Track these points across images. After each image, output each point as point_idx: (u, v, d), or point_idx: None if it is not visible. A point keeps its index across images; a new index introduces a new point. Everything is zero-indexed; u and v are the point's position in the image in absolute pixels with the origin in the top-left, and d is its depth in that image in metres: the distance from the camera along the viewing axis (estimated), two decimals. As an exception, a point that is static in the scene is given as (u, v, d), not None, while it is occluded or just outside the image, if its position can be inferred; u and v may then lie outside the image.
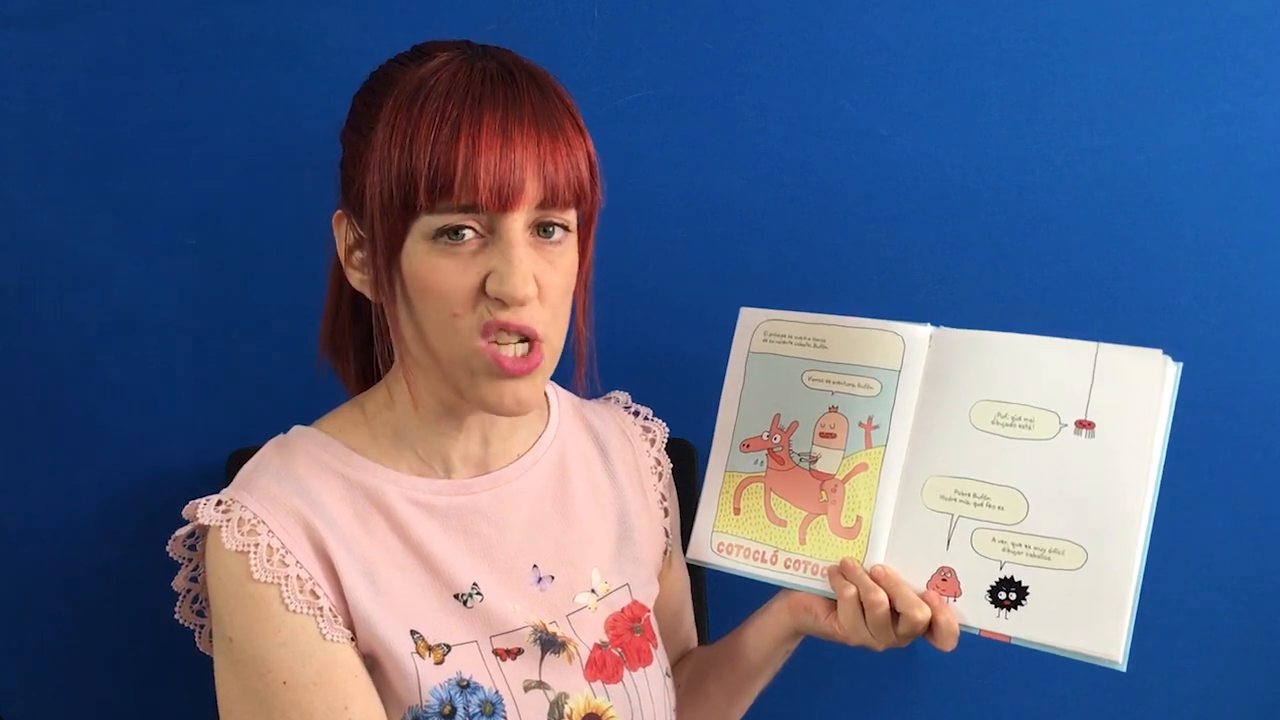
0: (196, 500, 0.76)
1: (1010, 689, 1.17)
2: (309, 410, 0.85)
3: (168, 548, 0.78)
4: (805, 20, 1.10)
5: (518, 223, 0.72)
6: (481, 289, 0.72)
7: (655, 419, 0.97)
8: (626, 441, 0.94)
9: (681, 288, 1.14)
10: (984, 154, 1.10)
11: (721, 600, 1.09)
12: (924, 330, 0.86)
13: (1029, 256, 1.11)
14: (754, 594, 0.90)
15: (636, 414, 0.97)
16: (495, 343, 0.73)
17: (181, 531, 0.78)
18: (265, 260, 1.12)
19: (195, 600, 0.81)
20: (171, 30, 1.09)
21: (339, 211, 0.78)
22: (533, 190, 0.71)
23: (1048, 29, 1.08)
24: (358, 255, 0.78)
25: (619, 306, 1.13)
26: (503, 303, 0.72)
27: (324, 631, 0.74)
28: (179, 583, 0.80)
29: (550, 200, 0.73)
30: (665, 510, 0.94)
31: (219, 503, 0.76)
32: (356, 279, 0.79)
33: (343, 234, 0.78)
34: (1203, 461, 1.11)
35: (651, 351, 1.15)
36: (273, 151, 1.10)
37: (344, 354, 0.87)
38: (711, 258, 1.14)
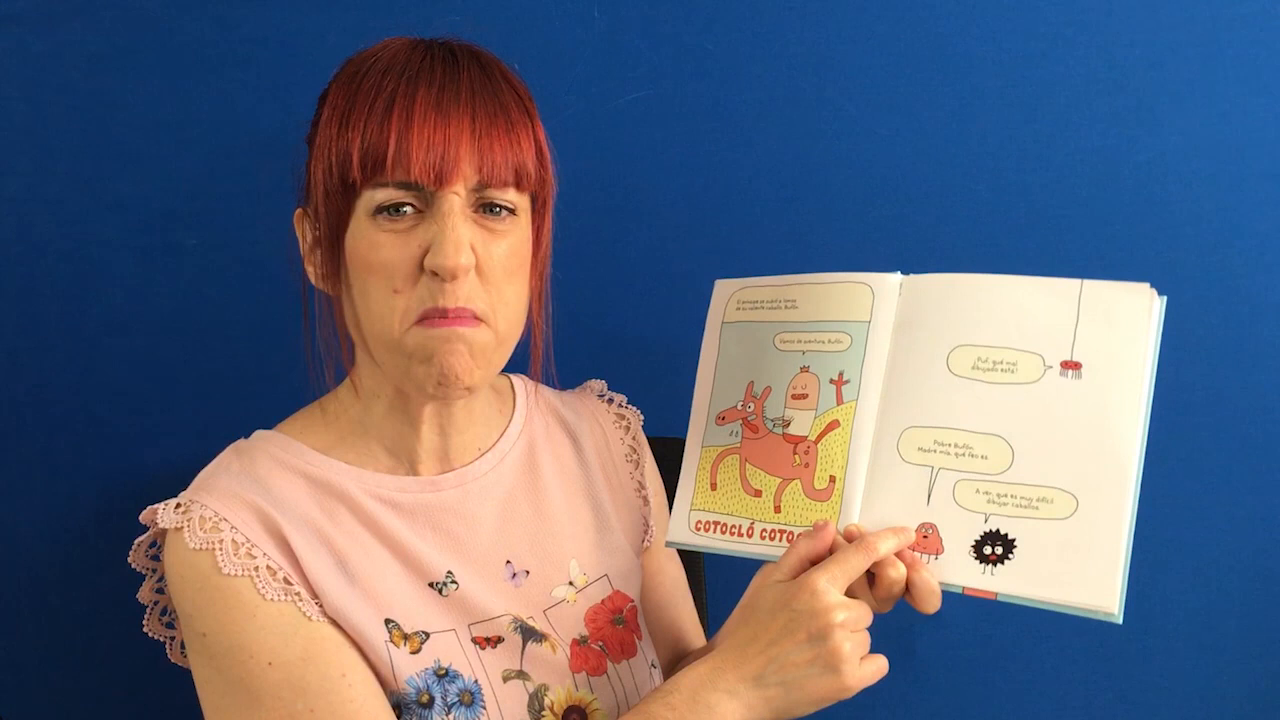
0: (154, 505, 0.74)
1: (1009, 689, 1.17)
2: (309, 410, 0.85)
3: (129, 559, 0.76)
4: (805, 20, 1.10)
5: (455, 198, 0.71)
6: (421, 266, 0.71)
7: (630, 406, 0.95)
8: (600, 430, 0.92)
9: (681, 288, 1.14)
10: (984, 154, 1.10)
11: (721, 596, 1.09)
12: (894, 278, 0.82)
13: (1028, 256, 1.11)
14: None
15: (610, 401, 0.95)
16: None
17: (143, 539, 0.75)
18: (265, 260, 1.12)
19: (164, 613, 0.78)
20: (171, 30, 1.09)
21: (299, 210, 0.79)
22: (468, 167, 0.71)
23: (1048, 29, 1.08)
24: (316, 251, 0.78)
25: (618, 306, 1.13)
26: (441, 279, 0.70)
27: (305, 611, 0.72)
28: (144, 595, 0.78)
29: (487, 179, 0.72)
30: (645, 499, 0.92)
31: (177, 505, 0.74)
32: (315, 275, 0.79)
33: (304, 233, 0.79)
34: (1202, 460, 1.11)
35: (651, 352, 1.15)
36: (273, 151, 1.10)
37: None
38: (711, 258, 1.14)
